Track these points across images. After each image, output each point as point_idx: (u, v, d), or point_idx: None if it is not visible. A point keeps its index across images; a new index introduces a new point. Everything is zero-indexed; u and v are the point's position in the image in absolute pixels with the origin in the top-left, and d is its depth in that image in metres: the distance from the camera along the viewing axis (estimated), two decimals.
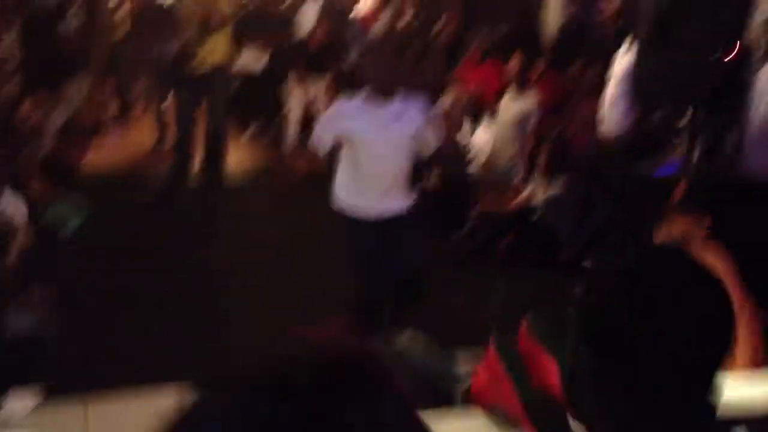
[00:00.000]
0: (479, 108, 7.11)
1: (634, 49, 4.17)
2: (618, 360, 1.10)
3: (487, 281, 5.60)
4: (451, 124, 7.43)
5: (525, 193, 6.17)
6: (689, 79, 3.88)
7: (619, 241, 4.78)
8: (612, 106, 5.57)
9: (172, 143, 7.49)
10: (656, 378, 1.08)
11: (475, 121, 7.08)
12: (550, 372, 1.46)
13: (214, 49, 6.95)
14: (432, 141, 4.34)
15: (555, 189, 5.92)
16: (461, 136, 7.14)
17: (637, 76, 4.13)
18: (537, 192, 6.06)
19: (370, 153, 4.16)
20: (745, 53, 4.28)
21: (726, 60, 3.90)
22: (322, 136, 4.26)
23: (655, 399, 1.09)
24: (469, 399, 1.91)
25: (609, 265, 1.26)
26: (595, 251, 5.74)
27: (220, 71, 7.07)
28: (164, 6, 7.80)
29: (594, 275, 1.24)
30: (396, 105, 4.13)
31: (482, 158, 6.85)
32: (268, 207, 7.21)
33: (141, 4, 8.64)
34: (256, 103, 8.96)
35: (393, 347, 3.56)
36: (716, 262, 3.16)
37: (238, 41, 7.87)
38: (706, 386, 1.11)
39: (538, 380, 1.64)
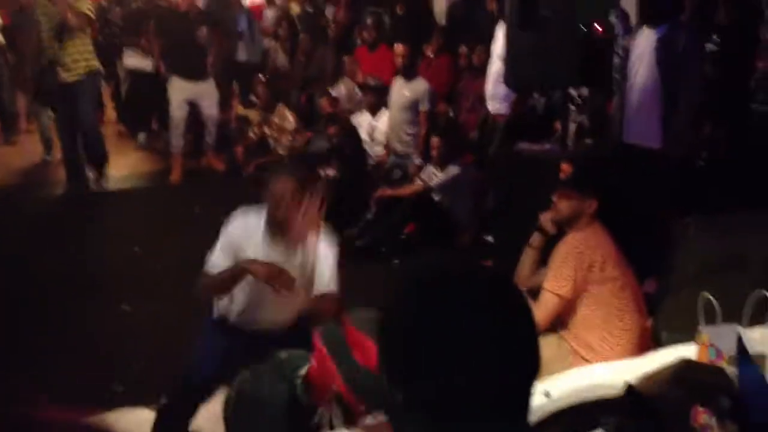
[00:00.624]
0: (373, 95, 7.06)
1: (504, 29, 4.18)
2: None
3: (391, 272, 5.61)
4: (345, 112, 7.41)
5: (421, 178, 6.16)
6: (558, 58, 3.89)
7: (512, 222, 4.80)
8: (494, 85, 5.61)
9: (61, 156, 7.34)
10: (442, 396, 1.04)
11: (370, 108, 7.03)
12: (372, 352, 1.54)
13: (80, 55, 6.86)
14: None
15: (450, 172, 5.92)
16: (357, 124, 7.10)
17: (509, 57, 4.14)
18: (433, 176, 6.05)
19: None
20: (614, 26, 4.33)
21: (594, 35, 3.93)
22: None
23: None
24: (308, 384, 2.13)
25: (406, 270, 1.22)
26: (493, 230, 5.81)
27: (90, 77, 6.97)
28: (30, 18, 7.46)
29: (396, 278, 1.17)
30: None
31: (378, 144, 6.83)
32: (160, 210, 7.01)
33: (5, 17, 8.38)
34: (146, 104, 8.76)
35: None
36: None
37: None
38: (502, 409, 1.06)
39: (363, 360, 1.95)
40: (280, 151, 7.82)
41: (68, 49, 6.82)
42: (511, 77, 4.21)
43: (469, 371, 1.03)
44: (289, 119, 7.72)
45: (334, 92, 7.79)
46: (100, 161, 7.40)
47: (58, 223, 6.55)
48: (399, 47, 6.65)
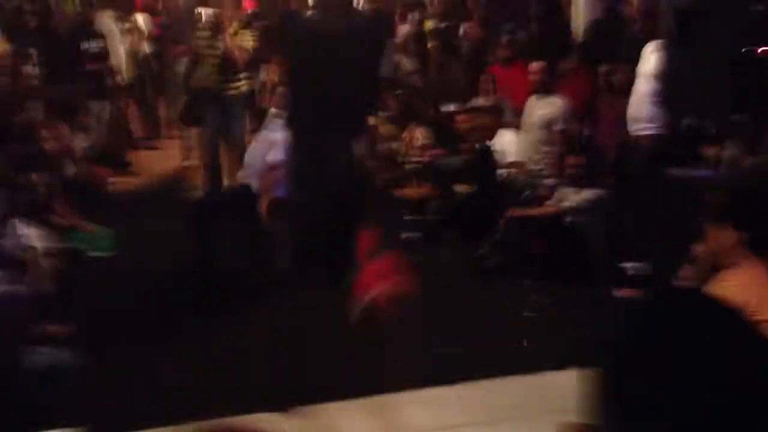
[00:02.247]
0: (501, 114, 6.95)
1: (661, 48, 4.00)
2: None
3: (519, 290, 5.49)
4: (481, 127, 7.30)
5: (555, 199, 6.00)
6: (717, 79, 3.69)
7: (653, 251, 4.59)
8: (639, 106, 5.40)
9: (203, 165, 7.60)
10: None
11: (502, 124, 6.91)
12: None
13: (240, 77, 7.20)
14: None
15: (586, 194, 5.74)
16: (489, 141, 7.00)
17: (664, 78, 3.96)
18: (567, 197, 5.88)
19: None
20: None
21: (757, 55, 3.71)
22: None
23: None
24: None
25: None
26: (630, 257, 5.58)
27: (242, 98, 7.29)
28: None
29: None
30: None
31: (510, 163, 6.69)
32: None
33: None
34: None
35: None
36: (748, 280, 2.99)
37: None
38: None
39: None
40: (409, 167, 7.81)
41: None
42: (665, 98, 4.02)
43: None
44: (421, 135, 7.69)
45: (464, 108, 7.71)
46: None
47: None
48: (535, 65, 6.51)
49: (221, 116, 7.13)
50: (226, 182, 7.36)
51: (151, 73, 9.27)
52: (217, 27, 7.01)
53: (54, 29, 7.84)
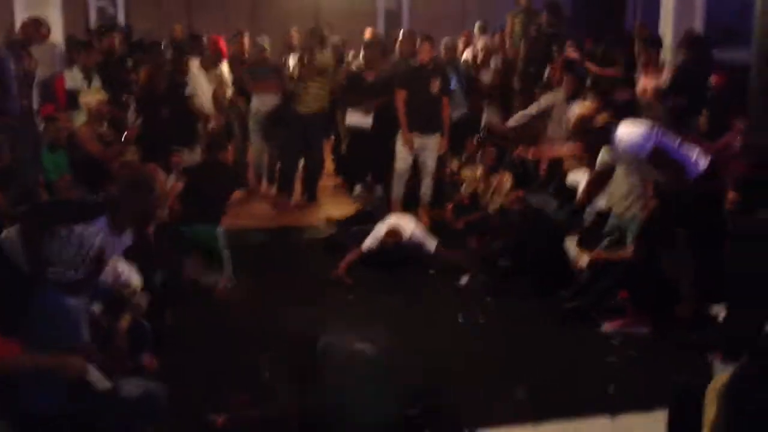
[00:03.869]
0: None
1: None
2: None
3: (601, 338, 5.43)
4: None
5: (641, 242, 5.91)
6: None
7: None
8: None
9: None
10: None
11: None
12: None
13: (317, 95, 8.52)
14: None
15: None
16: (574, 182, 6.96)
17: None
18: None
19: None
20: None
21: None
22: None
23: None
24: None
25: None
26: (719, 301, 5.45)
27: (321, 115, 8.62)
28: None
29: None
30: None
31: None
32: None
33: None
34: (364, 159, 9.11)
35: None
36: None
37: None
38: None
39: None
40: (490, 210, 7.84)
41: (309, 89, 8.47)
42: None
43: None
44: (509, 181, 7.73)
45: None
46: (316, 180, 9.05)
47: None
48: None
49: None
50: None
51: (239, 119, 9.58)
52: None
53: (156, 82, 8.22)
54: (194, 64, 8.72)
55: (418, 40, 8.35)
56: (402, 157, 8.20)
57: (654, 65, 8.17)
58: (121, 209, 4.17)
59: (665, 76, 7.97)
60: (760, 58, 7.14)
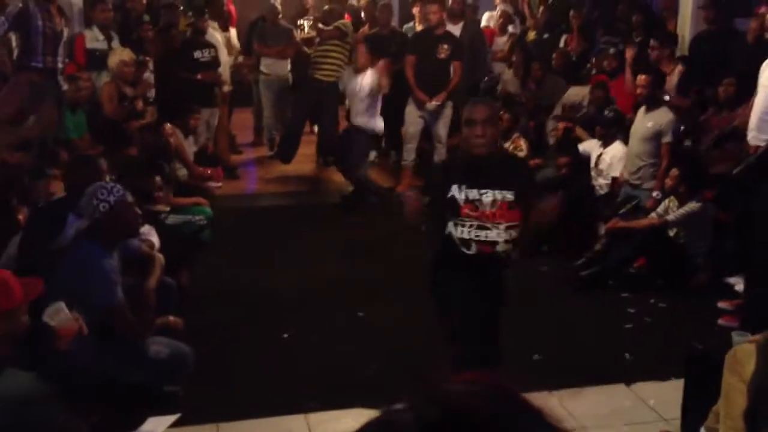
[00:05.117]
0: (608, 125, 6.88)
1: None
2: None
3: (619, 305, 5.46)
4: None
5: (657, 212, 5.94)
6: None
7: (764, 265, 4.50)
8: (762, 117, 5.31)
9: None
10: None
11: (608, 135, 6.84)
12: None
13: (334, 63, 8.19)
14: None
15: (690, 207, 5.67)
16: (585, 151, 6.97)
17: None
18: (670, 210, 5.82)
19: None
20: None
21: None
22: None
23: None
24: None
25: None
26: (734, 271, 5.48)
27: (335, 85, 8.19)
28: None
29: None
30: None
31: (614, 173, 6.65)
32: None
33: None
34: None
35: None
36: None
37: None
38: None
39: None
40: None
41: (327, 54, 8.17)
42: None
43: None
44: (523, 147, 7.72)
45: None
46: (330, 153, 8.66)
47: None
48: (643, 77, 6.45)
49: None
50: None
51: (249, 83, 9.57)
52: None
53: (171, 39, 8.20)
54: (212, 27, 8.67)
55: (428, 4, 8.24)
56: (411, 121, 8.16)
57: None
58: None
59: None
60: None
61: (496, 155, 3.75)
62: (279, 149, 8.86)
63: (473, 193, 3.59)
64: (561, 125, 7.73)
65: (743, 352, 3.21)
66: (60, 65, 6.53)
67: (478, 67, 8.91)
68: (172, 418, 3.88)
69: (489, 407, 0.80)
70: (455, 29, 8.49)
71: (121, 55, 7.13)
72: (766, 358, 2.64)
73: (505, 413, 0.80)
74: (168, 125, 6.74)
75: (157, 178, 5.78)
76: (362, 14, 9.72)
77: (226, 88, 8.80)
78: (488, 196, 3.59)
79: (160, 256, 4.37)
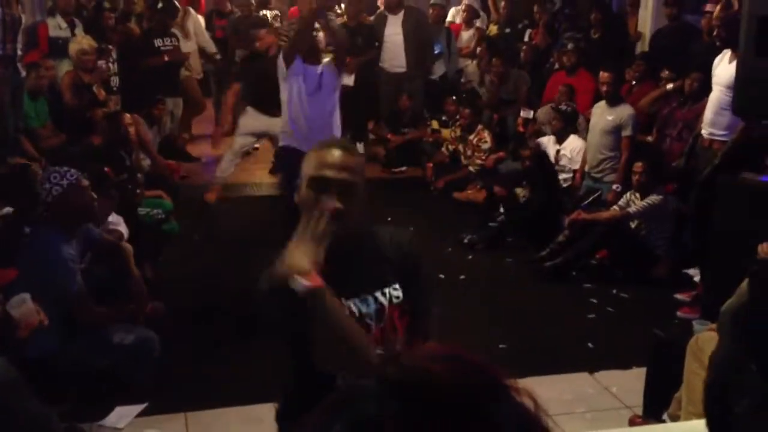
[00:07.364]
0: (563, 120, 7.00)
1: (728, 57, 4.05)
2: None
3: (581, 296, 5.55)
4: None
5: (619, 204, 6.04)
6: None
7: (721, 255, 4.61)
8: (715, 113, 5.43)
9: None
10: None
11: (557, 133, 6.97)
12: None
13: None
14: None
15: (651, 199, 5.78)
16: (550, 147, 7.07)
17: (740, 85, 4.00)
18: (632, 203, 5.92)
19: None
20: None
21: None
22: None
23: None
24: None
25: None
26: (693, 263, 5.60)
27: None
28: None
29: None
30: None
31: (574, 168, 6.76)
32: None
33: None
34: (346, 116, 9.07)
35: None
36: None
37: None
38: None
39: None
40: (471, 169, 7.91)
41: None
42: (740, 105, 4.06)
43: None
44: (487, 139, 7.79)
45: (526, 114, 7.81)
46: None
47: None
48: (605, 74, 6.55)
49: None
50: None
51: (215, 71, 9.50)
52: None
53: (131, 27, 8.13)
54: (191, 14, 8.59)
55: None
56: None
57: None
58: None
59: None
60: None
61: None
62: None
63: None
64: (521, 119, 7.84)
65: (704, 340, 3.32)
66: (19, 52, 6.44)
67: (428, 54, 8.90)
68: (139, 408, 3.88)
69: (447, 367, 0.84)
70: (396, 19, 8.52)
71: (81, 43, 7.04)
72: (727, 333, 2.73)
73: (462, 373, 0.84)
74: (127, 115, 6.66)
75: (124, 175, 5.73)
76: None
77: (196, 76, 8.74)
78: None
79: (128, 246, 4.34)
